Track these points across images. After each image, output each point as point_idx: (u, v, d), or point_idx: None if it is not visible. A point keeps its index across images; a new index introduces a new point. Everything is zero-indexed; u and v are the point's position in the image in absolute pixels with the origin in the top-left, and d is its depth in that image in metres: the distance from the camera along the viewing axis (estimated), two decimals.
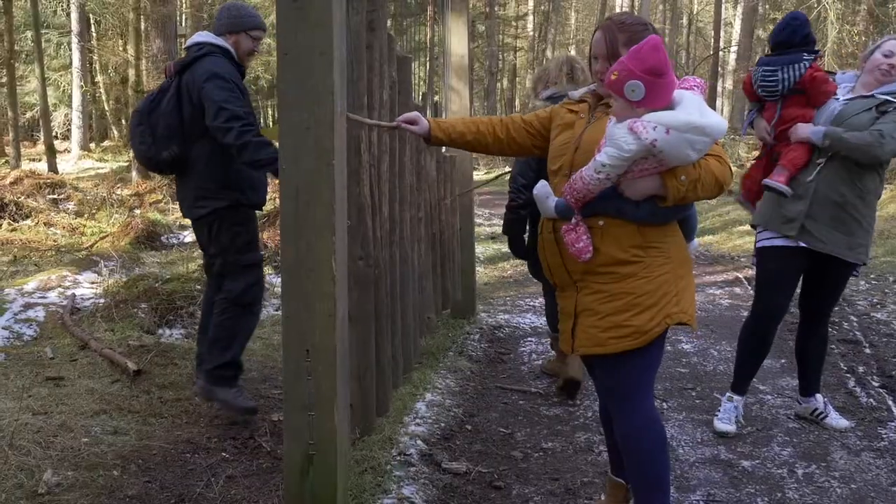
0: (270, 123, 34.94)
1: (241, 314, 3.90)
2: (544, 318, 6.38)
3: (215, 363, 3.83)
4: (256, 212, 4.04)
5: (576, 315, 2.63)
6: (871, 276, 7.65)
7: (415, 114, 2.89)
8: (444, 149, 5.83)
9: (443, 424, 3.93)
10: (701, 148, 2.35)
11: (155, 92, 3.91)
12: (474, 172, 7.28)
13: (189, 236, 8.77)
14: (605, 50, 2.59)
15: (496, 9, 35.84)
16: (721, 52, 29.69)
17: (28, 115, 25.63)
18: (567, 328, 2.69)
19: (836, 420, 4.02)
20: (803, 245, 3.81)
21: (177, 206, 6.68)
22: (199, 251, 4.30)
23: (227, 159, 3.75)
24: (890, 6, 22.41)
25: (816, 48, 4.03)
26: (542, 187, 2.63)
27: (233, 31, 3.89)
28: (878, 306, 6.55)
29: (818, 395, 4.12)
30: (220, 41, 3.86)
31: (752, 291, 7.50)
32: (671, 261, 2.55)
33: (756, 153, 5.22)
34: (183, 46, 4.03)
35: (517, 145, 2.90)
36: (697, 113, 2.35)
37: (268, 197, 4.19)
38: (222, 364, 3.82)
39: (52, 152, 16.45)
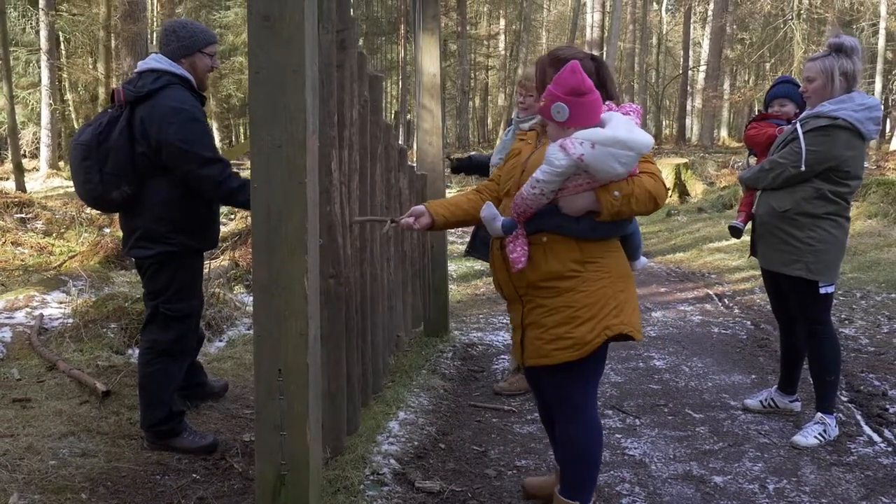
0: (242, 141, 34.83)
1: (170, 363, 3.66)
2: None
3: (152, 422, 3.63)
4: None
5: (523, 328, 2.82)
6: (840, 292, 7.74)
7: (419, 208, 3.02)
8: (416, 167, 5.88)
9: (416, 443, 3.91)
10: (626, 161, 2.53)
11: (102, 122, 3.53)
12: (447, 190, 7.29)
13: None
14: (536, 83, 2.89)
15: (468, 28, 36.13)
16: (690, 72, 30.08)
17: None
18: (517, 340, 2.88)
19: (800, 437, 4.05)
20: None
21: None
22: None
23: (185, 201, 3.52)
24: (854, 27, 22.87)
25: (770, 107, 4.49)
26: (487, 209, 2.81)
27: (187, 54, 3.62)
28: (846, 322, 6.63)
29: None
30: (177, 69, 3.57)
31: (722, 308, 7.58)
32: (610, 275, 2.72)
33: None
34: (134, 71, 3.65)
35: (497, 203, 3.04)
36: (624, 130, 2.54)
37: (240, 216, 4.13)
38: (159, 421, 3.62)
39: (20, 171, 16.26)
